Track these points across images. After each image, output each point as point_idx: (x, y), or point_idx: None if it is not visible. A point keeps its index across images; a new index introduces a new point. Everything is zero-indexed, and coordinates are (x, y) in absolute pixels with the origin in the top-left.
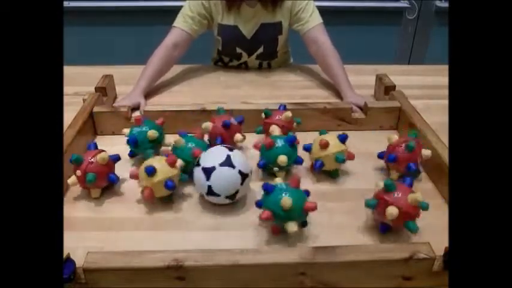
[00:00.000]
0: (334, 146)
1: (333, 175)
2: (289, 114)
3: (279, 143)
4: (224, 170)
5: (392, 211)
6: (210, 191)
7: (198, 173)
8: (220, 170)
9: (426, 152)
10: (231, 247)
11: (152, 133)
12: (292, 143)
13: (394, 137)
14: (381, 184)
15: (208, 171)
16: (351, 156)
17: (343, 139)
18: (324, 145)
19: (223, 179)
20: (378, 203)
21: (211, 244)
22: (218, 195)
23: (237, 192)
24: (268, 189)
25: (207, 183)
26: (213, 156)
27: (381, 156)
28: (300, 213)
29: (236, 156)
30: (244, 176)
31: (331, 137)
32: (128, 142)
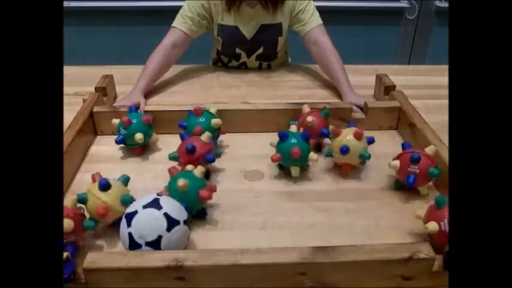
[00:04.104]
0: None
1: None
2: (309, 119)
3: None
4: (146, 212)
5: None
6: (131, 241)
7: (122, 222)
8: (142, 213)
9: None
10: (231, 247)
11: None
12: (307, 138)
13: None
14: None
15: (129, 217)
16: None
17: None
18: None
19: (143, 221)
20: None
21: (212, 244)
22: (139, 246)
23: (160, 238)
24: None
25: (127, 230)
26: (139, 201)
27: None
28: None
29: (167, 200)
30: (171, 221)
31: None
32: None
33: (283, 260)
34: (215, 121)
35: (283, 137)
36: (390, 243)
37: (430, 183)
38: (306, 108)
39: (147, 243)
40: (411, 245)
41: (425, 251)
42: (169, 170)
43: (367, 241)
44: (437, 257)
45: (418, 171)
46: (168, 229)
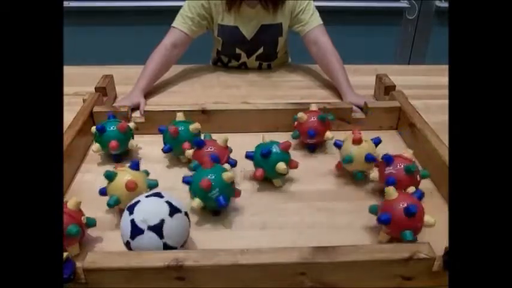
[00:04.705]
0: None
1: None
2: (299, 114)
3: (275, 149)
4: (149, 199)
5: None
6: (134, 227)
7: (124, 215)
8: (145, 200)
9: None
10: (231, 247)
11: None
12: (266, 154)
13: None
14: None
15: (131, 207)
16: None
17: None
18: (358, 140)
19: (146, 207)
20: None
21: (212, 244)
22: (141, 231)
23: (162, 222)
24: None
25: (130, 217)
26: (140, 195)
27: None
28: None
29: (168, 193)
30: (173, 208)
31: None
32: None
33: (283, 260)
34: (194, 126)
35: (249, 157)
36: (390, 243)
37: (432, 186)
38: (313, 107)
39: (150, 228)
40: (411, 245)
41: (425, 251)
42: (203, 184)
43: (367, 241)
44: (437, 257)
45: (394, 171)
46: (171, 214)
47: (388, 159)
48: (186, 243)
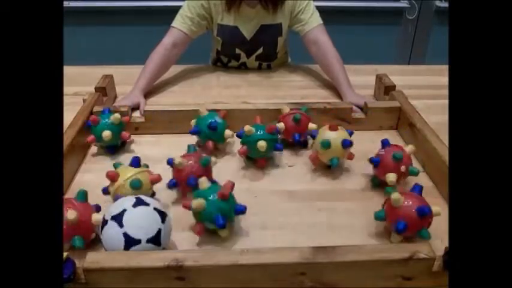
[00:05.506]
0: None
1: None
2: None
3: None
4: (138, 209)
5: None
6: (129, 240)
7: (108, 227)
8: (134, 210)
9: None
10: (231, 247)
11: None
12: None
13: (286, 108)
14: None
15: (118, 218)
16: (350, 157)
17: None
18: (335, 127)
19: (139, 217)
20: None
21: (212, 244)
22: (138, 242)
23: (159, 231)
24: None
25: (122, 230)
26: (122, 202)
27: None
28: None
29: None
30: (162, 213)
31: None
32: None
33: (283, 260)
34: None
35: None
36: (390, 243)
37: (431, 185)
38: (285, 110)
39: (149, 240)
40: (411, 245)
41: (425, 251)
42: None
43: (367, 241)
44: (437, 257)
45: (383, 153)
46: (163, 221)
47: (384, 143)
48: (161, 239)
